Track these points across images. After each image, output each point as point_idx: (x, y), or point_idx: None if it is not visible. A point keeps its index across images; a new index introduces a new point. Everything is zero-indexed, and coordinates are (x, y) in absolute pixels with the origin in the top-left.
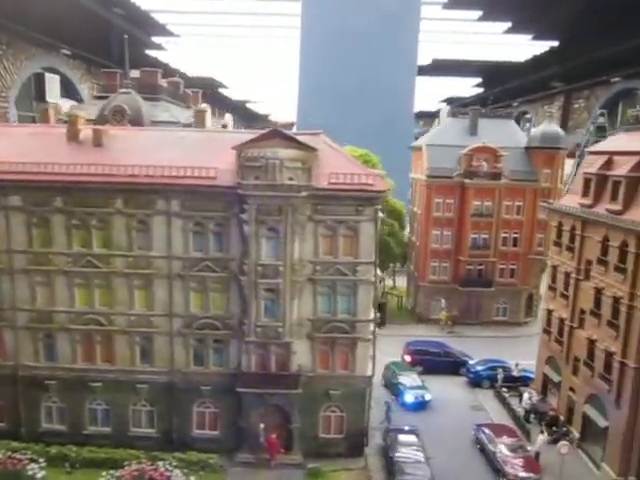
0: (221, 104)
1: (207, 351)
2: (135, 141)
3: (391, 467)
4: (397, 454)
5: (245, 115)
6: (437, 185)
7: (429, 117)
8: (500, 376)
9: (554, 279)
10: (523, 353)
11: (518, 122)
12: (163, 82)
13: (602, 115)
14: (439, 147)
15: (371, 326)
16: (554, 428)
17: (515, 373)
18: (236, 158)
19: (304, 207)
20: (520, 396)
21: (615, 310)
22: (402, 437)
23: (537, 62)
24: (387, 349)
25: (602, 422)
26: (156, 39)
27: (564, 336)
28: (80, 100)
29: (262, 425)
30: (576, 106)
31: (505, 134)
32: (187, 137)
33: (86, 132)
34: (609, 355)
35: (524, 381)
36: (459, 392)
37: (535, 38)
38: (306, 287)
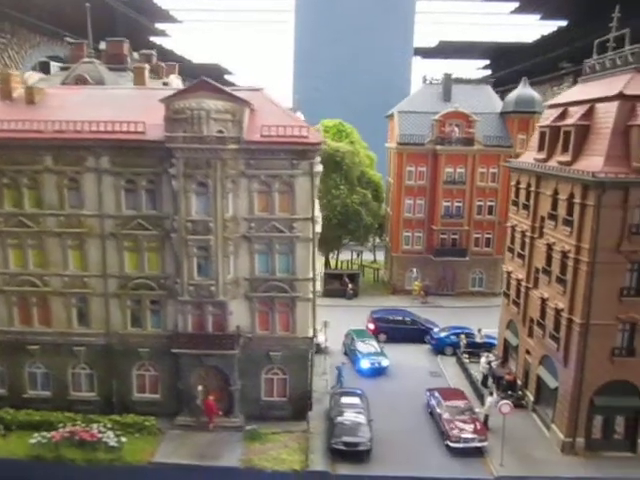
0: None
1: (144, 312)
2: (69, 99)
3: (331, 429)
4: (337, 416)
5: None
6: (408, 152)
7: None
8: (462, 342)
9: (512, 240)
10: (495, 322)
11: None
12: (135, 54)
13: None
14: (411, 114)
15: (311, 285)
16: (509, 392)
17: (478, 339)
18: (165, 111)
19: (236, 162)
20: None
21: (563, 265)
22: (344, 399)
23: (545, 43)
24: (357, 320)
25: (553, 383)
26: (159, 25)
27: (521, 298)
28: None
29: (200, 387)
30: None
31: (480, 100)
32: (122, 95)
33: (20, 91)
34: (558, 313)
35: (487, 347)
36: (421, 359)
37: (543, 18)
38: (241, 245)
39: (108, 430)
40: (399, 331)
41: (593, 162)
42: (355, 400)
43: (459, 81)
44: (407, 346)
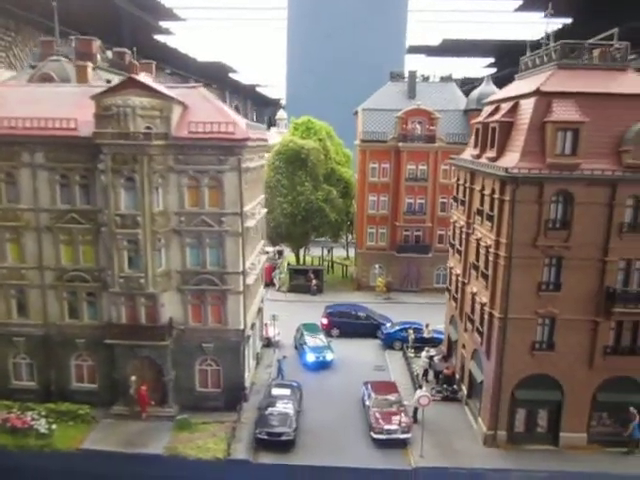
0: (231, 88)
1: (80, 304)
2: (8, 96)
3: (258, 419)
4: (267, 407)
5: (256, 99)
6: (371, 149)
7: None
8: (411, 337)
9: (453, 236)
10: None
11: None
12: (109, 52)
13: None
14: (375, 111)
15: (241, 278)
16: (445, 386)
17: (425, 334)
18: (95, 108)
19: (164, 157)
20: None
21: (486, 260)
22: (275, 391)
23: (549, 40)
24: (317, 315)
25: (479, 376)
26: (164, 23)
27: (459, 293)
28: None
29: (133, 377)
30: None
31: (444, 97)
32: (62, 92)
33: None
34: (482, 307)
35: (435, 342)
36: (369, 353)
37: (547, 15)
38: (172, 239)
39: (42, 418)
40: (352, 326)
41: (512, 158)
42: (286, 392)
43: (425, 79)
44: (359, 341)
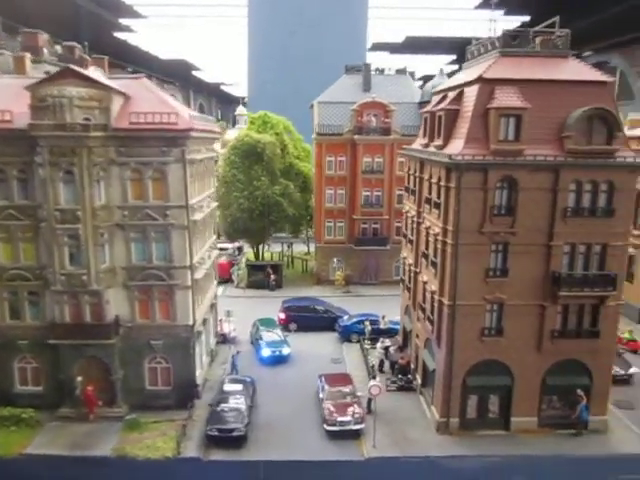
0: (195, 87)
1: (22, 304)
2: None
3: (209, 416)
4: (219, 403)
5: (221, 97)
6: (327, 143)
7: None
8: (367, 329)
9: (405, 226)
10: None
11: None
12: (58, 47)
13: None
14: (330, 104)
15: (189, 273)
16: (400, 376)
17: (382, 326)
18: (30, 99)
19: (105, 149)
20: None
21: (435, 248)
22: (227, 387)
23: (510, 38)
24: (275, 310)
25: (432, 365)
26: (124, 21)
27: (412, 283)
28: None
29: (79, 378)
30: None
31: (399, 89)
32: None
33: None
34: (433, 295)
35: (391, 333)
36: (327, 346)
37: (507, 13)
38: (116, 233)
39: None
40: (310, 320)
41: (457, 145)
42: (238, 387)
43: (380, 71)
44: (316, 334)
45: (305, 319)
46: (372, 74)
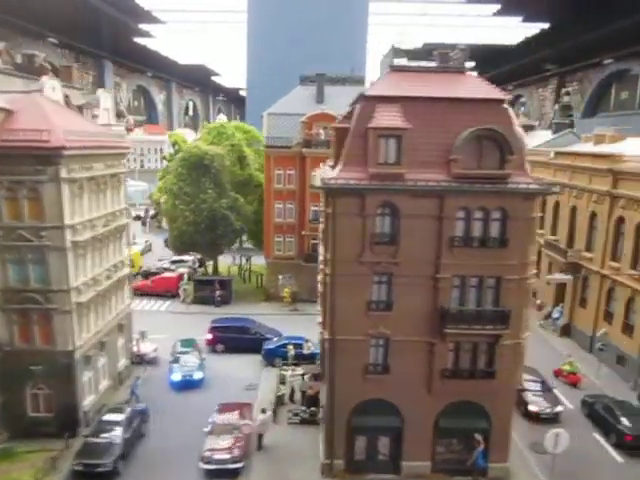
0: (214, 91)
1: None
2: None
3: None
4: (90, 435)
5: (240, 102)
6: (276, 155)
7: None
8: (290, 353)
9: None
10: None
11: (512, 106)
12: (18, 56)
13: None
14: (280, 116)
15: (69, 296)
16: (305, 408)
17: (305, 351)
18: None
19: None
20: (302, 375)
21: (323, 279)
22: (106, 417)
23: (529, 45)
24: None
25: (323, 400)
26: (144, 26)
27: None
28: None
29: None
30: (570, 89)
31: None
32: None
33: None
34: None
35: (313, 358)
36: (248, 371)
37: (525, 20)
38: None
39: None
40: (238, 341)
41: (339, 167)
42: (119, 417)
43: (335, 81)
44: (242, 357)
45: (233, 340)
46: (331, 85)
